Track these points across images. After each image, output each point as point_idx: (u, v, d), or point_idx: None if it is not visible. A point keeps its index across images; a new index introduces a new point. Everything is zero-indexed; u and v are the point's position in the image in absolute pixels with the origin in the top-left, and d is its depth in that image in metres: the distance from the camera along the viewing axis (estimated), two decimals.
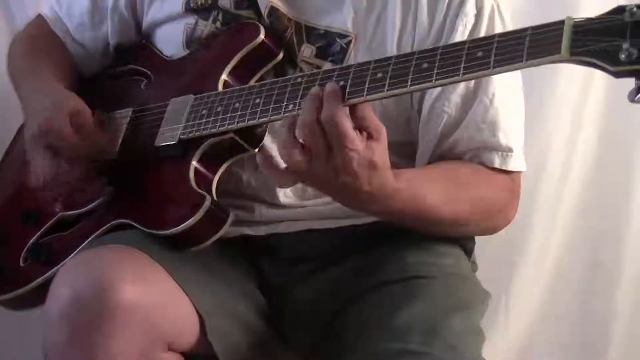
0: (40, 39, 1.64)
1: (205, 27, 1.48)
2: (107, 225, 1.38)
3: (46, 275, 1.40)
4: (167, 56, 1.53)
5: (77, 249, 1.37)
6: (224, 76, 1.39)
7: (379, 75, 1.14)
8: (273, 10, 1.42)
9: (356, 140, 1.11)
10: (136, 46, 1.60)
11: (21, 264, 1.45)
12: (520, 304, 2.09)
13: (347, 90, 1.15)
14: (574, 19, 1.01)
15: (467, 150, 1.37)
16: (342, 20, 1.39)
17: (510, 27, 1.38)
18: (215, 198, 1.32)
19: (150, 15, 1.55)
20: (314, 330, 1.39)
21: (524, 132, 1.42)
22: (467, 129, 1.36)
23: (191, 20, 1.49)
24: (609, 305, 2.07)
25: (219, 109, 1.31)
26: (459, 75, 1.07)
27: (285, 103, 1.22)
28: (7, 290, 1.45)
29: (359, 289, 1.36)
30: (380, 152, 1.14)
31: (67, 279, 1.21)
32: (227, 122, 1.29)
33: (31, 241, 1.46)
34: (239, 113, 1.28)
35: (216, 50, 1.44)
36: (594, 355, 2.09)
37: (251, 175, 1.42)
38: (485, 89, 1.35)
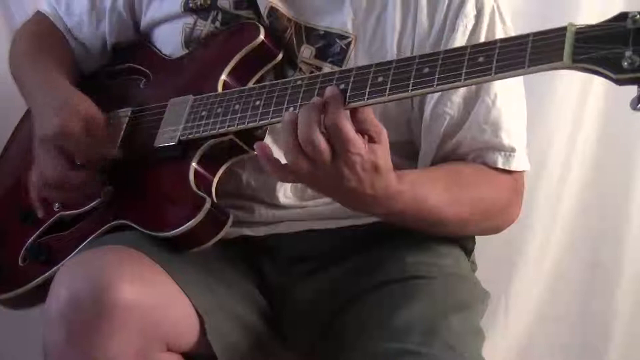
0: (43, 35, 1.64)
1: (204, 27, 1.47)
2: (106, 226, 1.38)
3: (45, 275, 1.40)
4: (166, 55, 1.52)
5: (77, 249, 1.37)
6: (223, 76, 1.38)
7: (380, 79, 1.13)
8: (273, 10, 1.41)
9: (359, 144, 1.11)
10: (135, 45, 1.59)
11: (20, 263, 1.45)
12: (520, 304, 2.09)
13: (348, 94, 1.14)
14: (575, 25, 1.01)
15: (470, 150, 1.37)
16: (341, 21, 1.39)
17: (510, 27, 1.39)
18: (215, 200, 1.31)
19: (148, 15, 1.55)
20: (313, 330, 1.39)
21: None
22: (470, 129, 1.36)
23: (190, 20, 1.48)
24: (609, 305, 2.07)
25: (219, 110, 1.31)
26: (460, 80, 1.07)
27: (285, 105, 1.21)
28: (6, 290, 1.46)
29: (359, 289, 1.36)
30: (383, 155, 1.14)
31: (66, 279, 1.21)
32: (227, 123, 1.29)
33: (30, 240, 1.46)
34: (239, 115, 1.27)
35: (215, 50, 1.43)
36: (593, 355, 2.09)
37: (251, 175, 1.42)
38: (487, 90, 1.35)
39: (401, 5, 1.37)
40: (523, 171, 1.41)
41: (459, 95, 1.35)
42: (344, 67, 1.36)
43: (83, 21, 1.62)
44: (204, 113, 1.33)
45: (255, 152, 1.17)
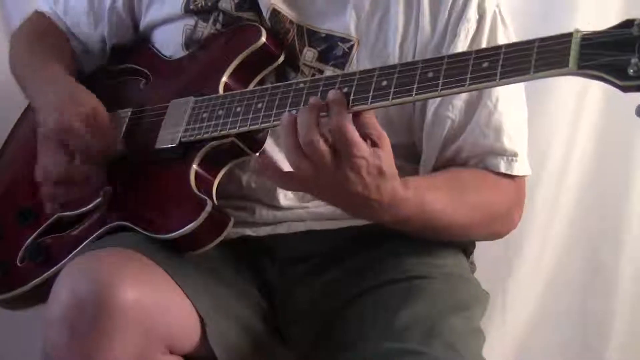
0: (43, 33, 1.63)
1: (205, 28, 1.47)
2: (105, 228, 1.37)
3: (44, 275, 1.40)
4: (166, 56, 1.52)
5: (75, 250, 1.37)
6: (224, 78, 1.38)
7: (384, 83, 1.13)
8: (274, 12, 1.41)
9: (364, 147, 1.11)
10: (135, 45, 1.59)
11: (18, 263, 1.44)
12: (519, 304, 2.09)
13: (352, 97, 1.14)
14: (581, 31, 1.01)
15: (473, 155, 1.37)
16: (344, 24, 1.38)
17: (512, 31, 1.39)
18: (215, 202, 1.31)
19: (148, 17, 1.54)
20: (313, 331, 1.39)
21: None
22: (472, 133, 1.36)
23: (191, 21, 1.48)
24: (609, 305, 2.07)
25: (220, 112, 1.30)
26: (464, 85, 1.07)
27: (287, 109, 1.21)
28: (4, 291, 1.45)
29: (359, 289, 1.36)
30: (386, 159, 1.14)
31: (67, 281, 1.21)
32: (229, 125, 1.28)
33: (29, 241, 1.45)
34: (240, 117, 1.27)
35: (217, 52, 1.43)
36: (593, 355, 2.09)
37: (251, 176, 1.41)
38: (489, 94, 1.35)
39: (404, 9, 1.37)
40: (524, 176, 1.41)
41: (460, 99, 1.35)
42: (346, 70, 1.36)
43: (81, 21, 1.61)
44: (205, 115, 1.32)
45: (256, 155, 1.17)
